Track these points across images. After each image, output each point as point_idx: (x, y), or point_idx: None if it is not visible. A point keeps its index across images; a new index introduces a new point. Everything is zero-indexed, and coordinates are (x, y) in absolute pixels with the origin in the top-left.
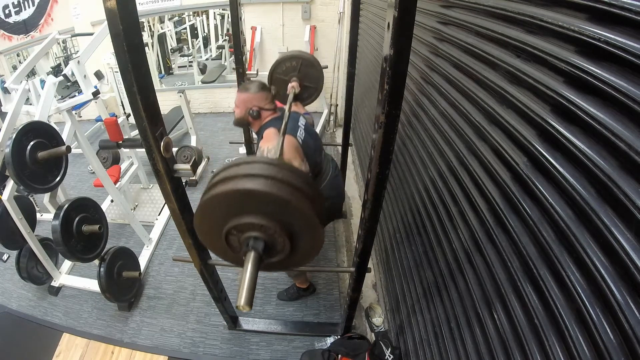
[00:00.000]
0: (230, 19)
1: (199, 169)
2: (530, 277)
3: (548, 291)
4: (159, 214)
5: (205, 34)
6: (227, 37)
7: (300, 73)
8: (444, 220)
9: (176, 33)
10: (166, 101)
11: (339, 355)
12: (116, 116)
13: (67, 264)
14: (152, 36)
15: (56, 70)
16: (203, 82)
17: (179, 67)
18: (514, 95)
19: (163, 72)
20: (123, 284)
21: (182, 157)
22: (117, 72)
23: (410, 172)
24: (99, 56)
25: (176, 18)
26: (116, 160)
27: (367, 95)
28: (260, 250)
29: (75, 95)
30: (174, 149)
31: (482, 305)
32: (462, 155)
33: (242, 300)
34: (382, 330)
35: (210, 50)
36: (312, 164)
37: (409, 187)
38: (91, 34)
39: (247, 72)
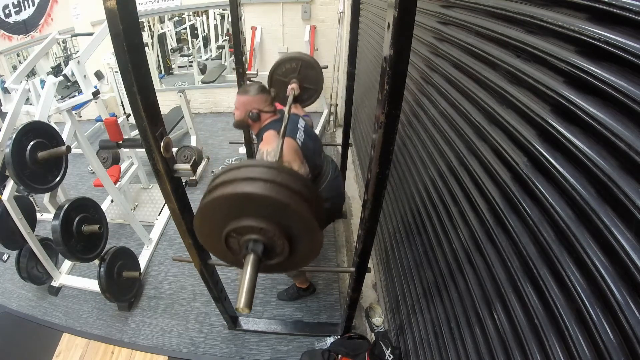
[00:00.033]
0: (230, 19)
1: (199, 169)
2: (530, 277)
3: (548, 291)
4: (159, 214)
5: (205, 34)
6: (227, 37)
7: (300, 75)
8: (444, 220)
9: (176, 33)
10: (166, 101)
11: (339, 355)
12: (116, 116)
13: (67, 264)
14: (152, 36)
15: (56, 70)
16: (203, 82)
17: (179, 67)
18: (514, 95)
19: (163, 72)
20: (123, 284)
21: (182, 157)
22: (117, 72)
23: (410, 172)
24: (99, 56)
25: (176, 18)
26: (116, 160)
27: (367, 95)
28: (260, 252)
29: (75, 95)
30: (174, 149)
31: (482, 305)
32: (462, 155)
33: (242, 302)
34: (382, 330)
35: (210, 50)
36: (312, 166)
37: (409, 187)
38: (91, 34)
39: (247, 72)
